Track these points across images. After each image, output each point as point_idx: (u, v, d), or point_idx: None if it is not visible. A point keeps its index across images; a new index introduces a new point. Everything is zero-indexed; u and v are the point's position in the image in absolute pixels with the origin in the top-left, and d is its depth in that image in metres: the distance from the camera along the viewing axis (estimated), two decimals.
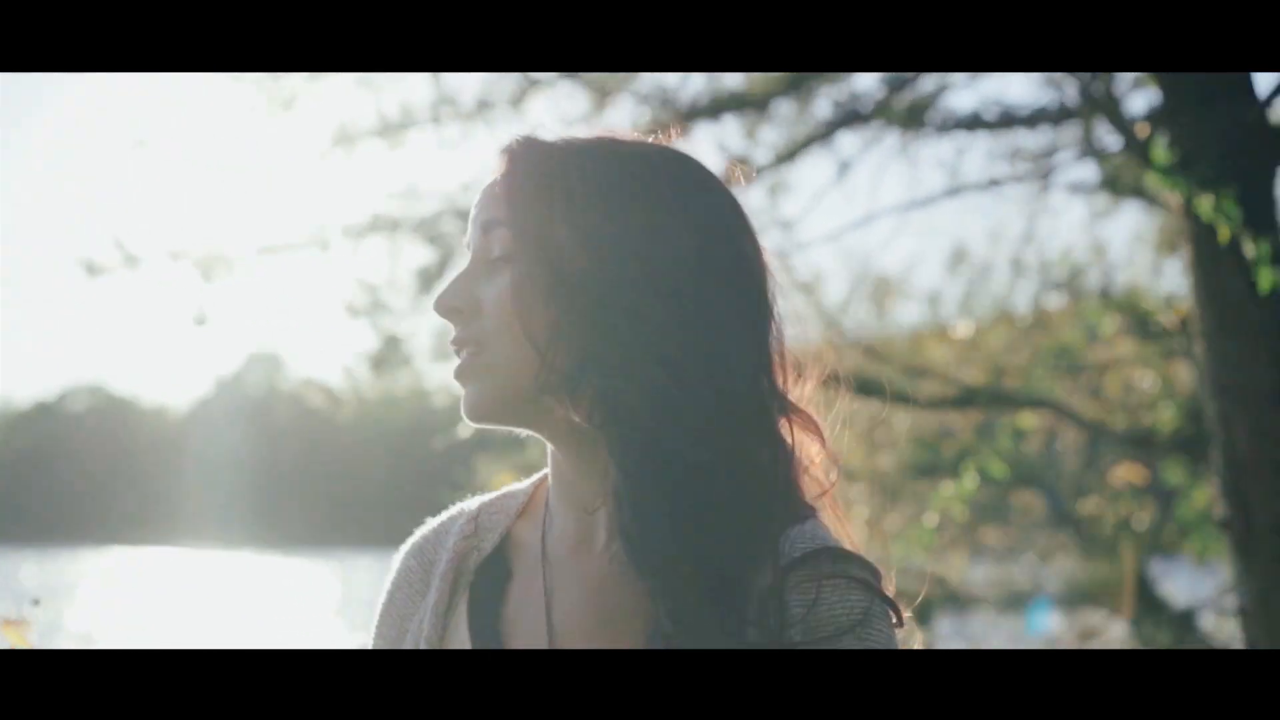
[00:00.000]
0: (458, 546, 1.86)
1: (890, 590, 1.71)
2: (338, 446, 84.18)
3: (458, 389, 1.74)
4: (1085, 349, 8.25)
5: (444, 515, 1.94)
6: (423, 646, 1.81)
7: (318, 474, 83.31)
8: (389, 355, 6.74)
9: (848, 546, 1.72)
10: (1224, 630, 7.75)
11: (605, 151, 1.74)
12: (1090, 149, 8.25)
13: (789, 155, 6.61)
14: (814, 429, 1.77)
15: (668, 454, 1.64)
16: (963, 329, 10.01)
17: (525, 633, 1.77)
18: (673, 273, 1.67)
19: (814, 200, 6.61)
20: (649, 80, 6.18)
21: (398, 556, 1.94)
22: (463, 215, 6.39)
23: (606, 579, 1.74)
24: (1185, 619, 7.33)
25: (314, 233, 6.27)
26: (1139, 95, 6.89)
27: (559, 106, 6.16)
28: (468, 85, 6.22)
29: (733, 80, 6.27)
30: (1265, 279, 5.01)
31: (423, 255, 6.54)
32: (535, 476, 1.90)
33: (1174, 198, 5.96)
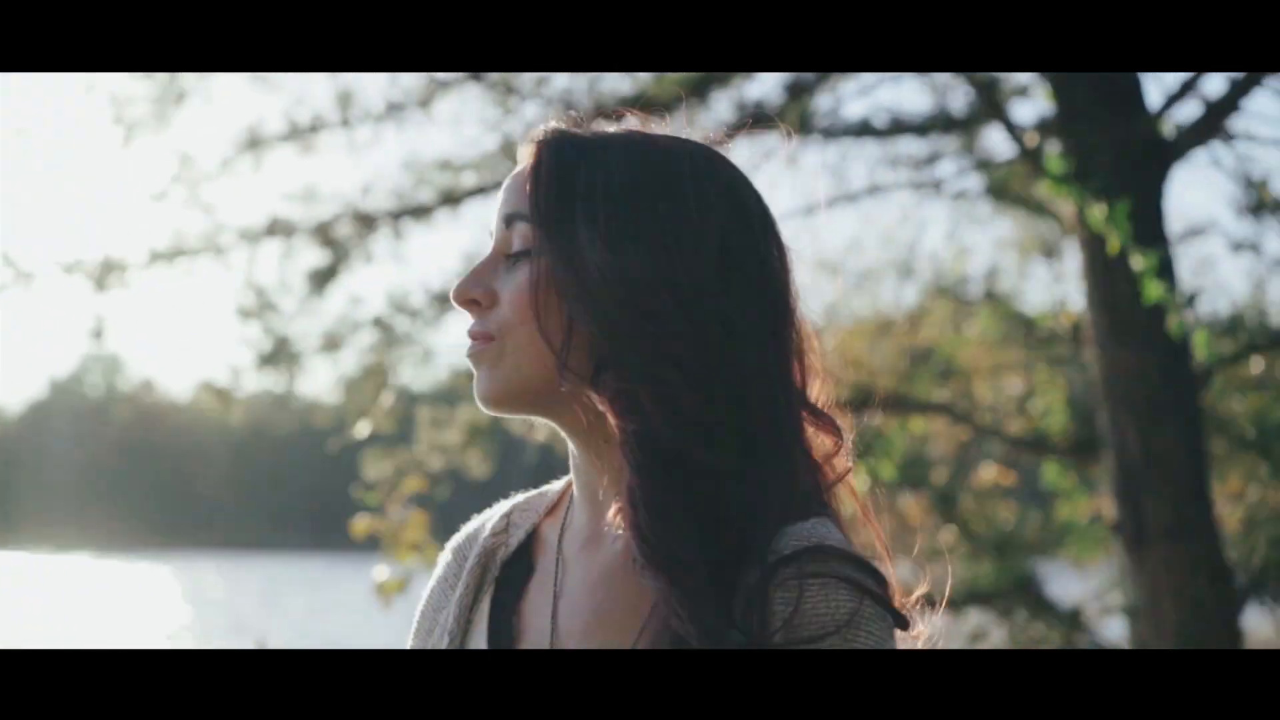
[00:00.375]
0: (487, 543, 1.88)
1: (898, 593, 1.67)
2: (176, 450, 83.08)
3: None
4: (966, 353, 8.40)
5: (485, 513, 1.96)
6: (445, 640, 1.84)
7: (157, 477, 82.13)
8: (278, 355, 6.67)
9: (851, 546, 1.68)
10: (1110, 629, 7.95)
11: (633, 149, 1.73)
12: (977, 157, 8.42)
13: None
14: (832, 429, 1.76)
15: (681, 456, 1.64)
16: (837, 332, 10.12)
17: (533, 629, 1.79)
18: (693, 278, 1.66)
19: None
20: (557, 83, 6.19)
21: (441, 556, 1.97)
22: (360, 218, 6.35)
23: (608, 575, 1.75)
24: (1073, 618, 7.49)
25: (209, 237, 6.20)
26: (1030, 105, 7.04)
27: (466, 108, 6.13)
28: (374, 86, 6.19)
29: (642, 81, 6.29)
30: (1151, 291, 5.13)
31: (315, 257, 6.49)
32: (569, 476, 1.90)
33: (1066, 206, 6.10)
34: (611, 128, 1.80)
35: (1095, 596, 7.94)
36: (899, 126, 7.26)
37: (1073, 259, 9.94)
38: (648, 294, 1.65)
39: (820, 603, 1.60)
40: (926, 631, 1.73)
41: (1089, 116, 6.05)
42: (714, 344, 1.66)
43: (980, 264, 10.90)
